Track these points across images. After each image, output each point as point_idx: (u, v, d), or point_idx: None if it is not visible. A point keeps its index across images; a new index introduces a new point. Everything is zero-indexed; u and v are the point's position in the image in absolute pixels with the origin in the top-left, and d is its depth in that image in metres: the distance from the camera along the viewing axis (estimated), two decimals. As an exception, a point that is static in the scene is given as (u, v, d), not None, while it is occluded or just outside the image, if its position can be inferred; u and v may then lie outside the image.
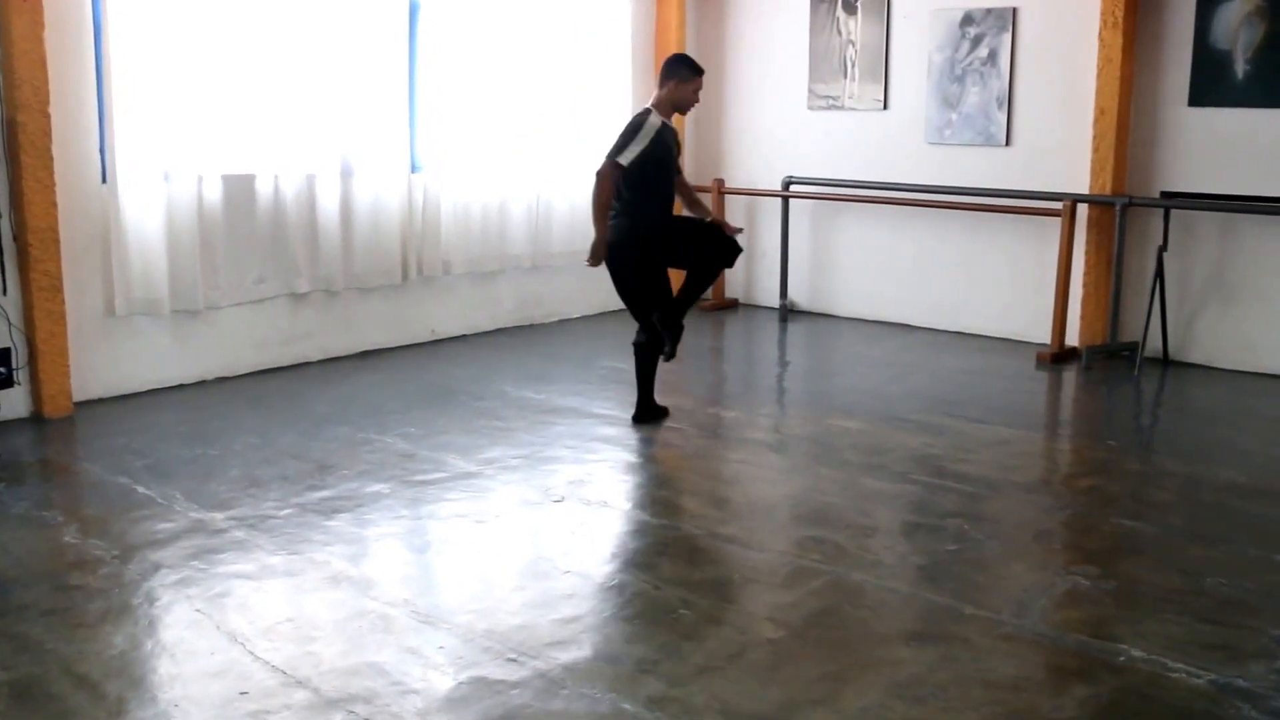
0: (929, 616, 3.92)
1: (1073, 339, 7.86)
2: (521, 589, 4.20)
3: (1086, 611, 3.97)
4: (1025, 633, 3.79)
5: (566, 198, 8.88)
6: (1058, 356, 7.69)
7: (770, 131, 9.52)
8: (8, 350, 6.16)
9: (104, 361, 6.63)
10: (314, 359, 7.59)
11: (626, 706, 3.34)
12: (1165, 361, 7.61)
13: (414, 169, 7.99)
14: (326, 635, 3.81)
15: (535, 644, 3.73)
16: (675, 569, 4.45)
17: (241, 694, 3.43)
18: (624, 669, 3.57)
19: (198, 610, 4.00)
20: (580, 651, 3.69)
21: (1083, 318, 7.85)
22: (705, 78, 6.12)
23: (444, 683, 3.49)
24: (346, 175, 7.54)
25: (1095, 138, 7.64)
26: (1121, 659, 3.60)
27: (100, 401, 6.56)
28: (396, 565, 4.50)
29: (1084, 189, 7.74)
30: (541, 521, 4.91)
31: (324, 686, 3.47)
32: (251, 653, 3.68)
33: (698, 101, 6.10)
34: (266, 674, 3.55)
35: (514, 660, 3.62)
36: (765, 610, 4.00)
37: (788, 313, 9.38)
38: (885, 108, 8.78)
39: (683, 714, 3.30)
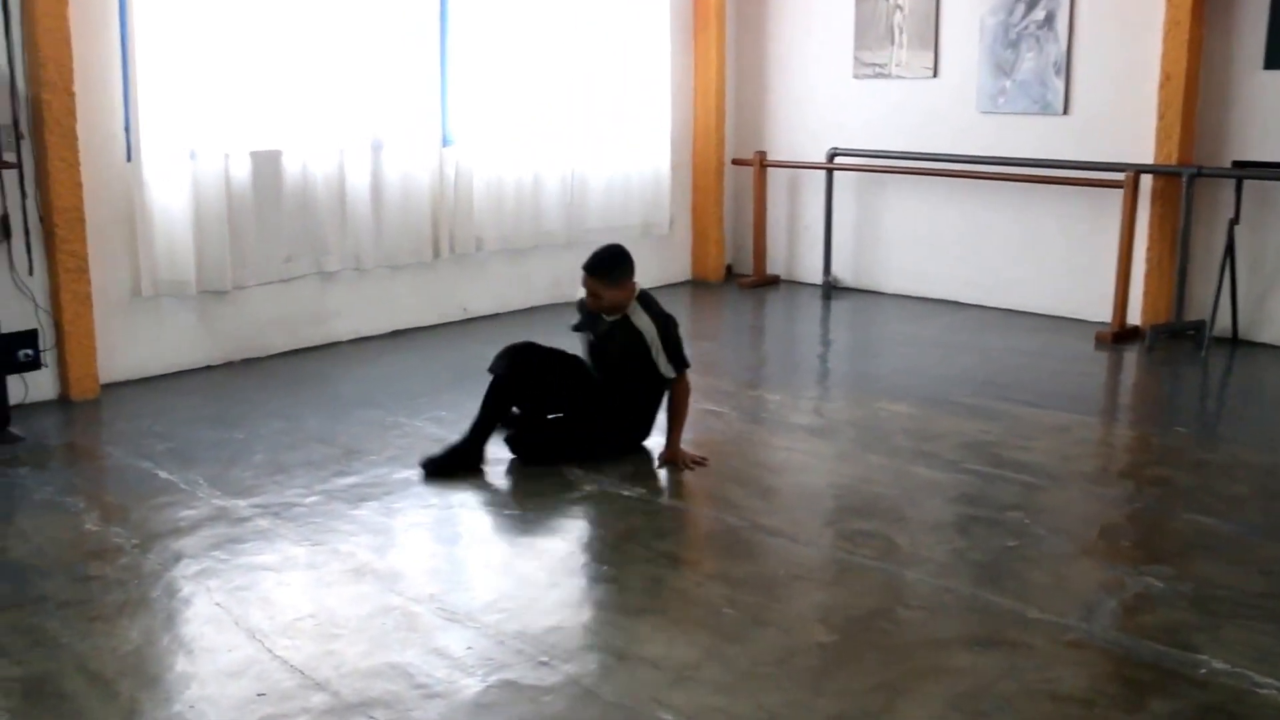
0: (990, 620, 3.66)
1: (1135, 317, 7.51)
2: (555, 585, 3.97)
3: (1161, 617, 3.68)
4: (1095, 639, 3.52)
5: (602, 173, 8.62)
6: (1119, 336, 7.36)
7: (814, 101, 9.20)
8: (34, 332, 6.01)
9: (131, 343, 6.48)
10: (344, 339, 7.39)
11: (666, 716, 3.11)
12: (1234, 341, 7.24)
13: (445, 143, 7.75)
14: (348, 633, 3.61)
15: (569, 646, 3.51)
16: (718, 564, 4.22)
17: (259, 695, 3.25)
18: (664, 674, 3.34)
19: (217, 604, 3.82)
20: (617, 654, 3.46)
21: (1145, 295, 7.49)
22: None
23: (470, 687, 3.28)
24: (376, 150, 7.32)
25: (1160, 104, 7.26)
26: (1202, 671, 3.32)
27: (127, 384, 6.40)
28: (424, 558, 4.29)
29: (1148, 159, 7.38)
30: (577, 512, 4.69)
31: (343, 689, 3.27)
32: (270, 650, 3.49)
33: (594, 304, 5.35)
34: (285, 674, 3.36)
35: (546, 664, 3.40)
36: (814, 611, 3.76)
37: (831, 290, 9.08)
38: (935, 75, 8.44)
39: (726, 726, 3.08)
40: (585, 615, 3.74)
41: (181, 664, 3.45)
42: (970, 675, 3.32)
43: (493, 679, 3.32)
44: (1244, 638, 3.51)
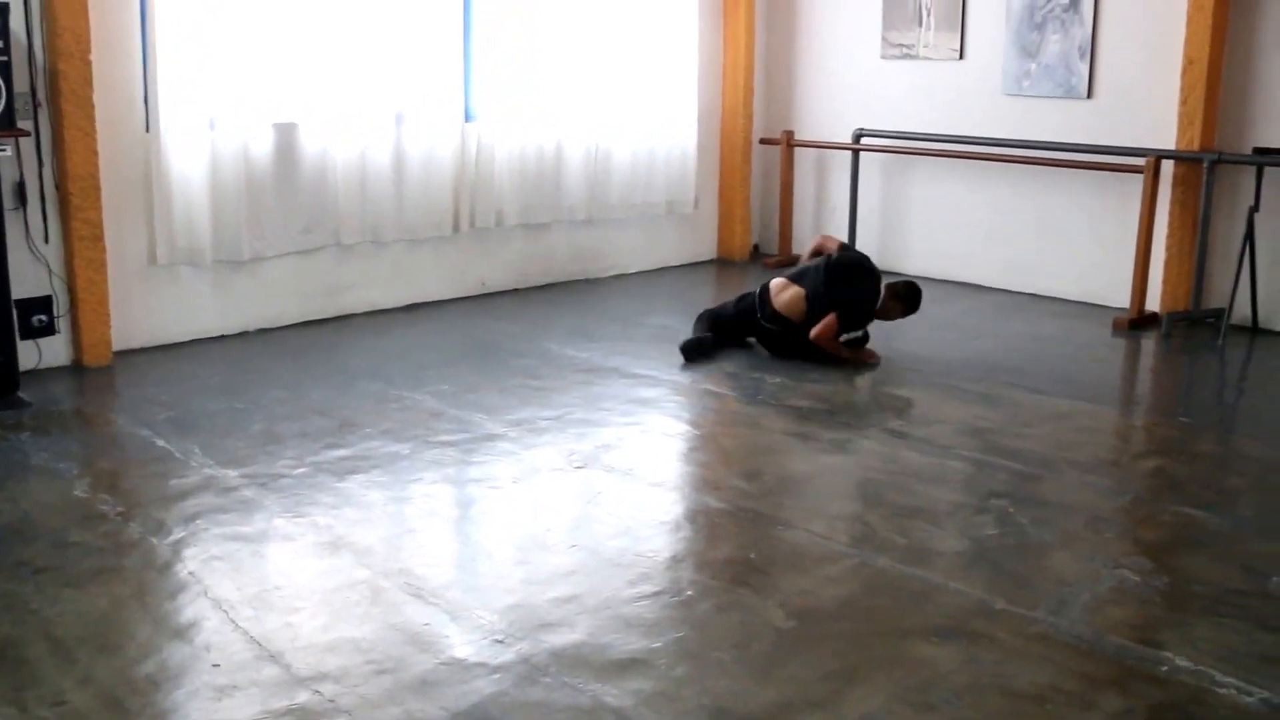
0: (955, 610, 3.60)
1: (1154, 304, 7.38)
2: (523, 563, 3.97)
3: (1132, 611, 3.62)
4: (1060, 633, 3.46)
5: (626, 149, 8.58)
6: (1136, 322, 7.23)
7: (842, 81, 9.10)
8: (49, 298, 6.10)
9: (145, 311, 6.55)
10: (360, 311, 7.43)
11: (609, 700, 3.10)
12: (1254, 330, 7.10)
13: (468, 118, 7.75)
14: (311, 606, 3.63)
15: (526, 625, 3.51)
16: (691, 546, 4.20)
17: (213, 666, 3.28)
18: (615, 657, 3.33)
19: (189, 573, 3.85)
20: (572, 635, 3.46)
21: (1165, 281, 7.35)
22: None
23: (420, 664, 3.29)
24: (398, 124, 7.33)
25: (1183, 89, 7.10)
26: (1164, 669, 3.26)
27: (141, 351, 6.48)
28: (399, 532, 4.29)
29: (1170, 144, 7.23)
30: (558, 489, 4.68)
31: (296, 663, 3.29)
32: (233, 621, 3.52)
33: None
34: (243, 645, 3.38)
35: (500, 642, 3.40)
36: (779, 596, 3.72)
37: (856, 271, 8.98)
38: (961, 57, 8.31)
39: (667, 712, 3.05)
40: (547, 594, 3.72)
41: (144, 633, 3.48)
42: (925, 666, 3.28)
43: (442, 656, 3.32)
44: (1213, 635, 3.44)
